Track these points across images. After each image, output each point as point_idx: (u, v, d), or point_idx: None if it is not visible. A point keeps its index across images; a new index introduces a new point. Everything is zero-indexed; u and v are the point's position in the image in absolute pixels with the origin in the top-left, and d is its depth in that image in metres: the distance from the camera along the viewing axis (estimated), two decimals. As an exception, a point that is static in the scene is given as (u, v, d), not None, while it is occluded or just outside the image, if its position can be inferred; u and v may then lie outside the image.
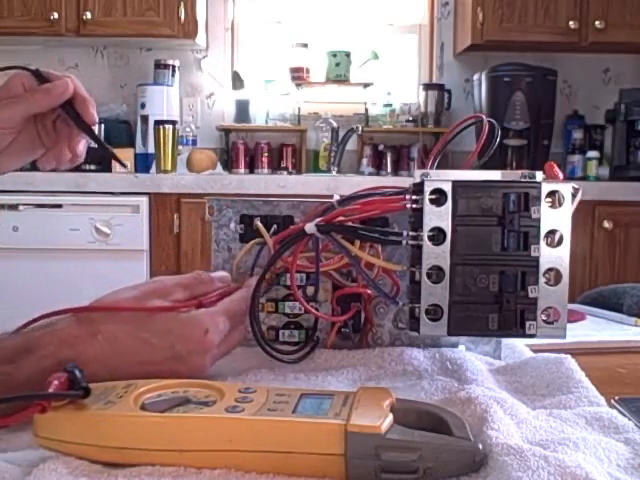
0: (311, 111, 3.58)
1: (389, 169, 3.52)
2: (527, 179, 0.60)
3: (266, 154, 3.49)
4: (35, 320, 0.59)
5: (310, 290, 0.70)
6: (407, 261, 0.62)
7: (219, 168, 3.31)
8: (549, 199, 0.58)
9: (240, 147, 3.48)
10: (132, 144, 3.33)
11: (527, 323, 0.58)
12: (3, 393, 0.47)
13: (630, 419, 0.52)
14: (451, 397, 0.55)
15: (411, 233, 0.59)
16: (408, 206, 0.60)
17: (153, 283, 0.63)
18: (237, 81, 3.51)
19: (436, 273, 0.58)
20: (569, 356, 0.65)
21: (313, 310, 0.70)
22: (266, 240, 0.72)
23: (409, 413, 0.48)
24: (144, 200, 2.89)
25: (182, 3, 3.21)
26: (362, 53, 3.55)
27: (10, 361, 0.55)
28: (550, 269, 0.58)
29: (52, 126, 0.80)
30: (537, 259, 0.58)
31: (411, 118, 3.54)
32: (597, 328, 0.96)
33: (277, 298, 0.73)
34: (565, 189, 0.58)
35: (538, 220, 0.58)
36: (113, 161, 3.18)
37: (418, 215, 0.59)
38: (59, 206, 2.82)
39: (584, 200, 0.63)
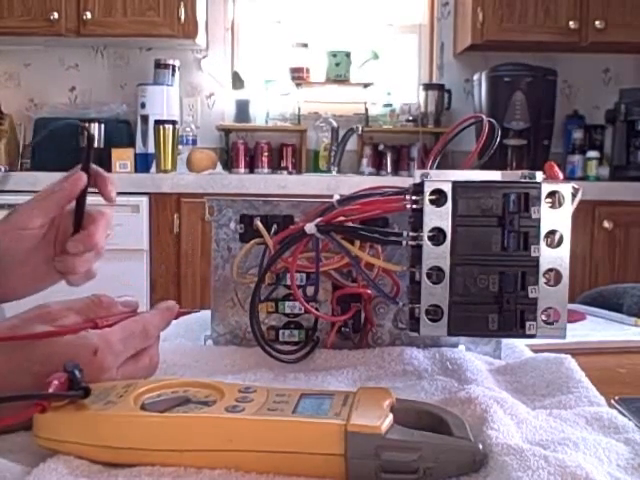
0: (311, 111, 3.58)
1: (389, 169, 3.52)
2: (527, 179, 0.60)
3: (266, 154, 3.49)
4: None
5: (310, 290, 0.70)
6: (407, 261, 0.62)
7: (219, 168, 3.32)
8: (549, 199, 0.58)
9: (240, 147, 3.48)
10: (132, 144, 3.33)
11: (527, 323, 0.58)
12: None
13: (630, 419, 0.52)
14: (451, 397, 0.55)
15: (411, 233, 0.59)
16: (408, 206, 0.60)
17: (37, 309, 0.57)
18: (237, 81, 3.51)
19: (436, 273, 0.58)
20: (569, 356, 0.65)
21: (313, 310, 0.70)
22: (266, 240, 0.72)
23: (409, 413, 0.48)
24: (144, 200, 2.89)
25: (182, 3, 3.21)
26: (362, 53, 3.55)
27: None
28: (550, 269, 0.58)
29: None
30: (537, 259, 0.58)
31: (411, 118, 3.55)
32: (597, 328, 0.96)
33: (277, 298, 0.73)
34: (565, 189, 0.58)
35: (538, 220, 0.58)
36: (113, 161, 3.18)
37: (418, 215, 0.59)
38: (59, 206, 2.82)
39: (584, 200, 0.63)
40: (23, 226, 0.74)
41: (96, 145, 3.26)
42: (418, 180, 0.60)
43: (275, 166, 3.53)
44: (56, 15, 3.19)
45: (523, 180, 0.60)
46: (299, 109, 3.53)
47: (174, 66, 3.44)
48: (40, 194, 0.76)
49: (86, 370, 0.49)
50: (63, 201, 0.75)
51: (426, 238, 0.58)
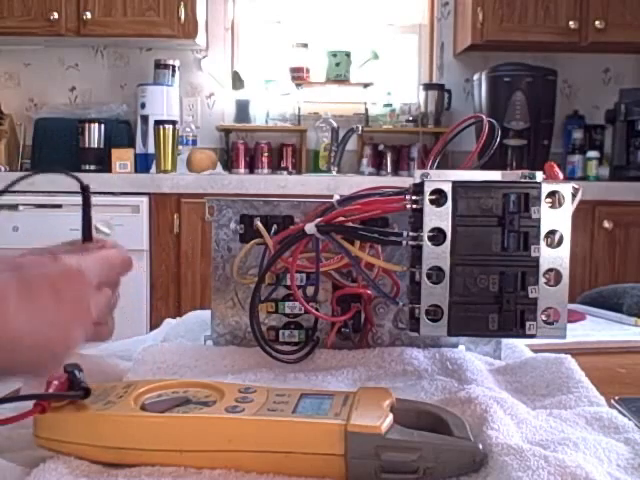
0: (311, 111, 3.58)
1: (389, 169, 3.52)
2: (527, 179, 0.60)
3: (266, 154, 3.49)
4: None
5: (310, 290, 0.70)
6: (407, 261, 0.62)
7: (219, 168, 3.31)
8: (549, 199, 0.58)
9: (240, 147, 3.48)
10: (132, 144, 3.33)
11: (527, 323, 0.58)
12: None
13: (630, 419, 0.52)
14: (451, 397, 0.55)
15: (411, 233, 0.59)
16: (408, 206, 0.60)
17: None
18: (237, 81, 3.51)
19: (436, 273, 0.58)
20: (569, 356, 0.65)
21: (313, 310, 0.70)
22: (266, 240, 0.72)
23: (409, 413, 0.48)
24: (144, 200, 2.89)
25: (182, 3, 3.21)
26: (362, 53, 3.55)
27: None
28: (550, 269, 0.58)
29: None
30: (537, 259, 0.58)
31: (411, 118, 3.54)
32: (597, 328, 0.96)
33: (277, 298, 0.73)
34: (565, 189, 0.58)
35: (538, 220, 0.58)
36: (113, 161, 3.18)
37: (418, 215, 0.59)
38: (59, 206, 2.82)
39: (584, 200, 0.63)
40: None
41: (96, 145, 3.26)
42: (418, 180, 0.60)
43: (275, 166, 3.53)
44: (56, 15, 3.19)
45: (523, 180, 0.60)
46: (299, 109, 3.53)
47: (174, 66, 3.44)
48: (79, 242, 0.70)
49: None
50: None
51: (426, 238, 0.58)
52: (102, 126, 3.26)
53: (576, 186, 0.60)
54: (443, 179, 0.59)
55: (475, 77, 3.39)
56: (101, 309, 0.55)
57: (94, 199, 0.71)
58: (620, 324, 0.99)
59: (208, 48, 3.56)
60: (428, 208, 0.58)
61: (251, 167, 3.50)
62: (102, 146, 3.25)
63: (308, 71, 3.51)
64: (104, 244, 0.67)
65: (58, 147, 3.25)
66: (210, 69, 3.57)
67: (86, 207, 0.70)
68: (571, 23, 3.21)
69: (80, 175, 0.68)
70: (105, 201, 2.79)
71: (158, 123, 3.12)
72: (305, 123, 3.55)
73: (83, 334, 0.51)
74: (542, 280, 0.58)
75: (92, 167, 3.22)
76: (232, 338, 0.75)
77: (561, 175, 0.65)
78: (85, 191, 0.70)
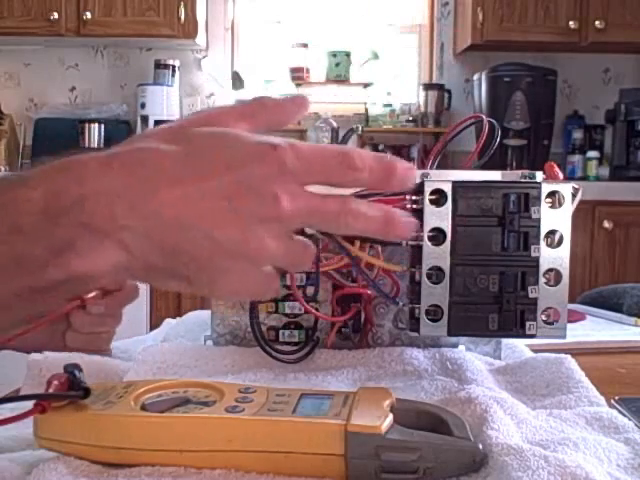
0: (311, 111, 3.58)
1: (389, 169, 3.52)
2: (527, 179, 0.60)
3: (266, 154, 3.49)
4: None
5: (310, 290, 0.70)
6: (407, 261, 0.62)
7: (219, 168, 3.31)
8: (549, 199, 0.58)
9: (240, 147, 3.48)
10: (132, 144, 3.33)
11: (527, 323, 0.58)
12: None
13: (630, 419, 0.52)
14: (451, 397, 0.55)
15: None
16: (408, 206, 0.60)
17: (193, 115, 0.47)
18: (237, 81, 3.51)
19: (436, 273, 0.58)
20: (569, 356, 0.65)
21: (313, 310, 0.70)
22: (266, 240, 0.71)
23: (409, 413, 0.48)
24: (144, 200, 2.89)
25: (182, 3, 3.21)
26: (362, 53, 3.55)
27: None
28: (550, 269, 0.58)
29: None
30: (537, 259, 0.58)
31: (411, 118, 3.55)
32: (597, 328, 0.96)
33: (277, 298, 0.73)
34: (565, 189, 0.58)
35: (538, 220, 0.58)
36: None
37: (418, 215, 0.59)
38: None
39: (584, 200, 0.63)
40: None
41: (96, 145, 3.27)
42: (418, 180, 0.60)
43: (275, 166, 3.52)
44: (56, 15, 3.19)
45: (523, 180, 0.60)
46: (299, 109, 3.52)
47: (174, 66, 3.44)
48: None
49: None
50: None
51: (426, 238, 0.58)
52: (102, 126, 3.27)
53: (576, 186, 0.60)
54: (443, 179, 0.59)
55: (475, 77, 3.39)
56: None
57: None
58: (620, 324, 0.99)
59: (208, 48, 3.57)
60: (428, 208, 0.58)
61: (251, 167, 3.49)
62: (102, 146, 3.25)
63: (308, 71, 3.51)
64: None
65: (58, 147, 3.24)
66: (210, 69, 3.57)
67: None
68: (571, 23, 3.21)
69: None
70: (105, 201, 2.78)
71: (158, 123, 3.12)
72: (305, 123, 3.55)
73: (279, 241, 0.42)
74: (542, 280, 0.58)
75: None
76: (232, 338, 0.75)
77: (561, 175, 0.65)
78: None
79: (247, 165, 0.41)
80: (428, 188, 0.58)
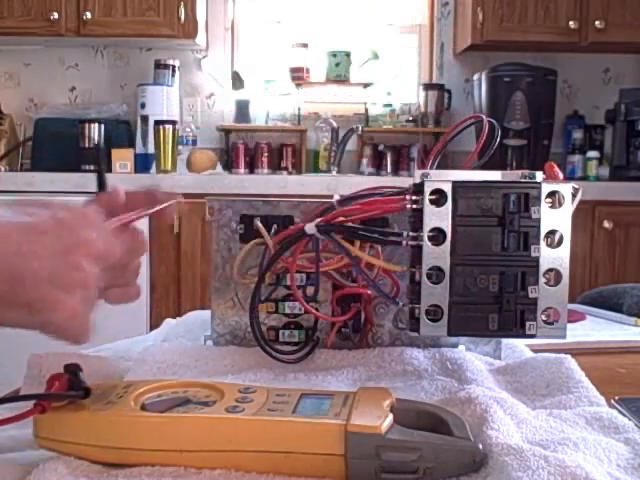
0: (311, 111, 3.58)
1: (389, 169, 3.52)
2: (527, 179, 0.60)
3: (266, 154, 3.49)
4: None
5: (310, 290, 0.70)
6: (407, 261, 0.62)
7: (219, 168, 3.31)
8: (549, 199, 0.58)
9: (240, 147, 3.48)
10: (132, 144, 3.33)
11: (527, 323, 0.58)
12: None
13: (630, 419, 0.52)
14: (451, 397, 0.55)
15: (411, 233, 0.59)
16: (408, 206, 0.60)
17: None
18: (237, 81, 3.51)
19: (436, 273, 0.58)
20: (569, 356, 0.65)
21: (313, 310, 0.70)
22: (266, 240, 0.72)
23: (409, 413, 0.48)
24: (144, 200, 2.89)
25: (182, 3, 3.21)
26: (362, 53, 3.55)
27: None
28: (550, 269, 0.58)
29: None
30: (537, 259, 0.58)
31: (411, 118, 3.54)
32: (597, 328, 0.96)
33: (277, 298, 0.73)
34: (565, 189, 0.58)
35: (538, 220, 0.58)
36: (113, 161, 3.18)
37: (418, 215, 0.59)
38: (59, 206, 2.81)
39: (584, 200, 0.63)
40: None
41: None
42: (418, 180, 0.60)
43: (275, 166, 3.53)
44: (56, 15, 3.18)
45: (523, 180, 0.60)
46: (299, 109, 3.53)
47: (174, 66, 3.44)
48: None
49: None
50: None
51: (426, 238, 0.58)
52: (102, 126, 3.26)
53: (576, 186, 0.60)
54: (443, 179, 0.59)
55: (475, 77, 3.39)
56: (118, 253, 0.54)
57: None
58: (620, 324, 0.99)
59: (208, 48, 3.56)
60: (428, 208, 0.58)
61: (251, 167, 3.50)
62: (102, 146, 3.25)
63: (308, 71, 3.51)
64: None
65: (58, 147, 3.25)
66: (210, 69, 3.57)
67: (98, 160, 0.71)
68: (571, 23, 3.21)
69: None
70: (105, 201, 2.78)
71: (158, 123, 3.12)
72: (305, 123, 3.55)
73: (94, 268, 0.50)
74: (542, 280, 0.58)
75: (92, 167, 3.22)
76: (232, 338, 0.75)
77: (561, 175, 0.65)
78: (97, 147, 0.71)
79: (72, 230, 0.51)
80: (428, 188, 0.58)
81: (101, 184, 0.70)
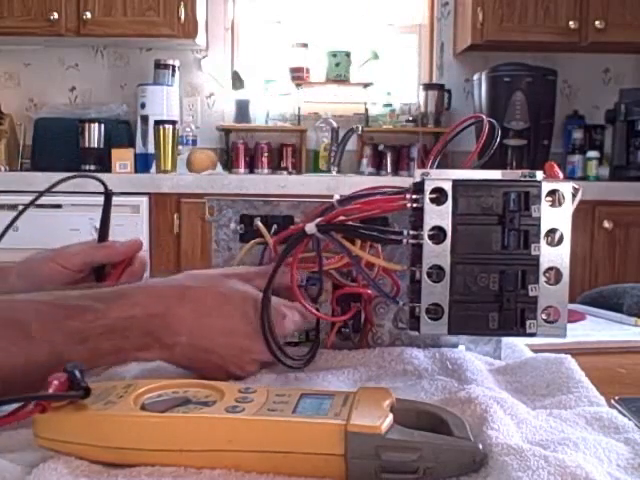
0: (311, 111, 3.58)
1: (389, 169, 3.52)
2: (527, 178, 0.60)
3: (266, 154, 3.49)
4: None
5: (312, 290, 0.70)
6: (407, 261, 0.62)
7: (219, 168, 3.32)
8: (549, 198, 0.58)
9: (240, 147, 3.48)
10: (132, 144, 3.33)
11: (527, 322, 0.58)
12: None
13: (630, 419, 0.52)
14: (451, 397, 0.54)
15: (411, 232, 0.59)
16: (408, 205, 0.60)
17: (232, 269, 0.69)
18: (237, 81, 3.51)
19: (436, 272, 0.58)
20: (569, 356, 0.65)
21: (313, 310, 0.69)
22: (267, 240, 0.71)
23: (409, 413, 0.48)
24: (144, 200, 2.89)
25: (182, 3, 3.21)
26: (362, 53, 3.55)
27: (102, 301, 0.59)
28: (550, 268, 0.58)
29: None
30: (537, 258, 0.58)
31: (411, 118, 3.55)
32: (597, 328, 0.96)
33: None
34: (565, 188, 0.58)
35: (538, 219, 0.58)
36: (113, 161, 3.18)
37: (418, 214, 0.59)
38: (59, 206, 2.82)
39: (584, 200, 0.63)
40: (63, 263, 0.76)
41: (96, 145, 3.27)
42: (418, 179, 0.60)
43: (275, 166, 3.53)
44: (56, 15, 3.19)
45: (523, 179, 0.60)
46: (299, 109, 3.53)
47: (174, 66, 3.44)
48: (94, 242, 0.80)
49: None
50: (111, 256, 0.79)
51: (426, 237, 0.58)
52: (102, 126, 3.26)
53: (576, 186, 0.60)
54: (443, 178, 0.59)
55: (475, 77, 3.39)
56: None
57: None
58: (620, 324, 0.99)
59: (208, 48, 3.57)
60: (428, 207, 0.58)
61: (251, 167, 3.50)
62: (102, 146, 3.25)
63: (308, 71, 3.51)
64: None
65: (58, 147, 3.25)
66: (210, 69, 3.57)
67: (107, 208, 0.79)
68: (571, 23, 3.21)
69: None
70: (105, 201, 2.79)
71: (158, 123, 3.12)
72: (305, 123, 3.55)
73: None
74: (542, 279, 0.58)
75: (92, 167, 3.22)
76: (232, 338, 0.74)
77: (561, 175, 0.65)
78: (108, 195, 0.78)
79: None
80: (428, 187, 0.58)
81: (102, 234, 0.78)
